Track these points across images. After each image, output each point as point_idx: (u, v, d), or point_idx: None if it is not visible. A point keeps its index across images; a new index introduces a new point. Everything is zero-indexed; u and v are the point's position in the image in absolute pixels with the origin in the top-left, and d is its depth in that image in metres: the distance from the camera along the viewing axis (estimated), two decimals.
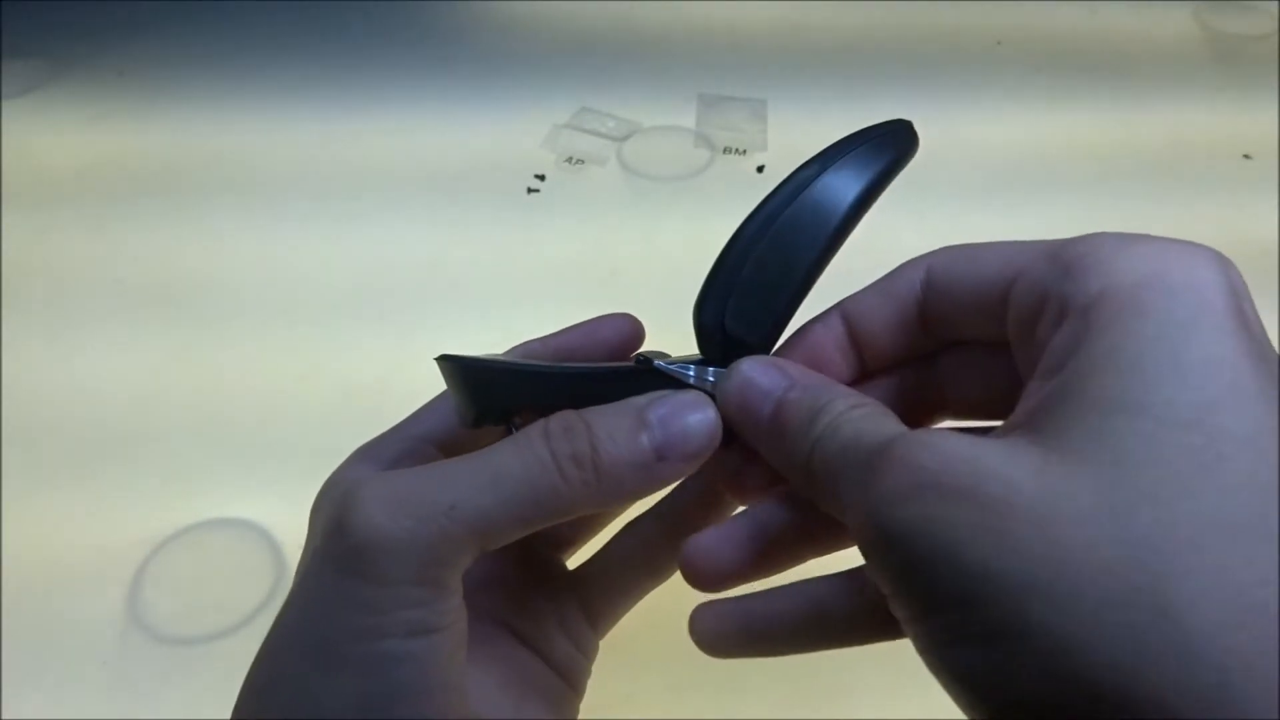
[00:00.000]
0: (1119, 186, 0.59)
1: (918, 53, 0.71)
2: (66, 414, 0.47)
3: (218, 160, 0.62)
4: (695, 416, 0.24)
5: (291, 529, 0.42)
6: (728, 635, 0.26)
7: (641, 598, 0.30)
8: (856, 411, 0.22)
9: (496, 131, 0.63)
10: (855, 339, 0.26)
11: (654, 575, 0.30)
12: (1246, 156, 0.62)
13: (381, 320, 0.51)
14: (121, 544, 0.41)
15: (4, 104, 0.66)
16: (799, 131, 0.63)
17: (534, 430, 0.23)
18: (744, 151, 0.61)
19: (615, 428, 0.23)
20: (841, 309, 0.26)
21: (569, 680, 0.29)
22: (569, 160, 0.61)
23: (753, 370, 0.24)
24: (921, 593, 0.19)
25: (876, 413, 0.22)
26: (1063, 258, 0.21)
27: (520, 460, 0.23)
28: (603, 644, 0.39)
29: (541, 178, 0.60)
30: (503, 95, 0.67)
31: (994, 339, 0.23)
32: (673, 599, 0.40)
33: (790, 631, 0.25)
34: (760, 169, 0.59)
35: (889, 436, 0.20)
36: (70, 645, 0.39)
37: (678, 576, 0.40)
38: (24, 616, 0.40)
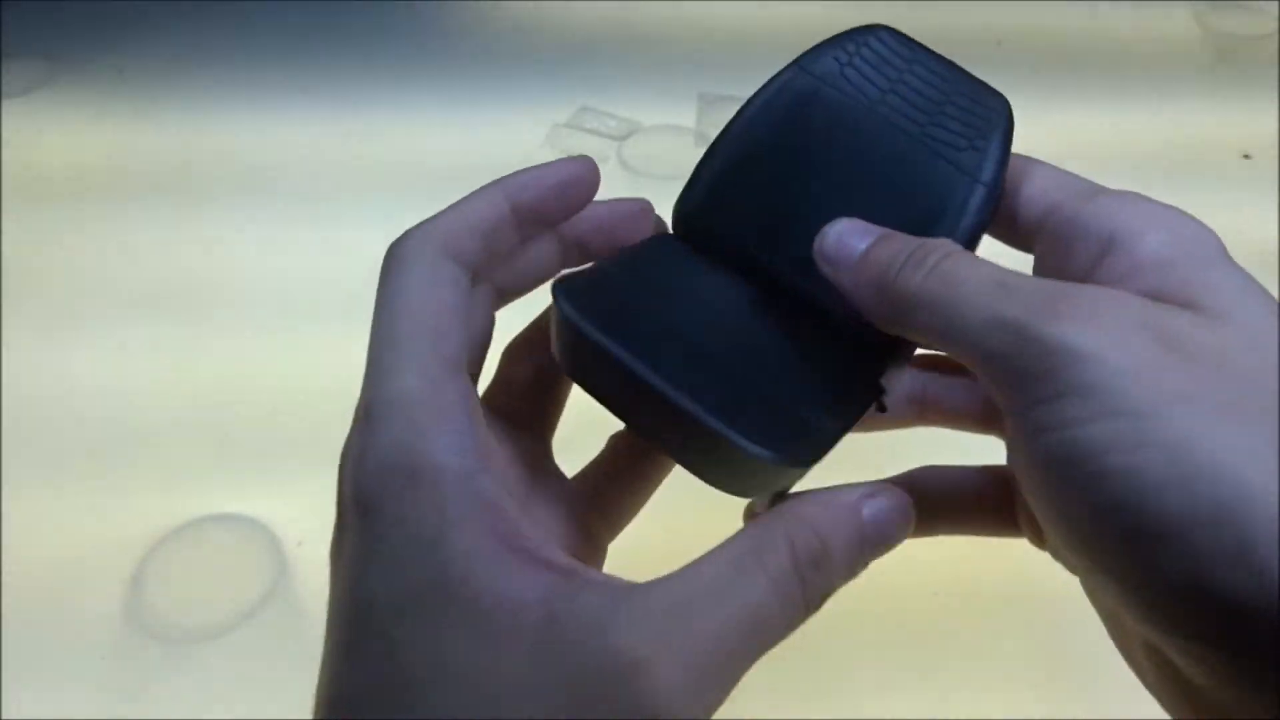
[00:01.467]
0: (1119, 186, 0.59)
1: None
2: (66, 412, 0.47)
3: (218, 160, 0.62)
4: (904, 519, 0.22)
5: (291, 525, 0.42)
6: None
7: (639, 508, 0.29)
8: (961, 255, 0.22)
9: (496, 131, 0.63)
10: None
11: (646, 487, 0.29)
12: (1246, 156, 0.62)
13: None
14: (121, 541, 0.41)
15: (4, 104, 0.66)
16: None
17: (785, 562, 0.21)
18: None
19: (842, 543, 0.21)
20: None
21: None
22: None
23: (842, 225, 0.24)
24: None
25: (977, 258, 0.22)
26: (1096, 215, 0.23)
27: (779, 603, 0.21)
28: None
29: None
30: (503, 95, 0.67)
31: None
32: None
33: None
34: None
35: (1050, 281, 0.21)
36: (70, 642, 0.39)
37: None
38: (24, 613, 0.40)
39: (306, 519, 0.43)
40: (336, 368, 0.49)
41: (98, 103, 0.66)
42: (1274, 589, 0.17)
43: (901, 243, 0.23)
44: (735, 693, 0.38)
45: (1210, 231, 0.22)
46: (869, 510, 0.22)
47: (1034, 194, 0.26)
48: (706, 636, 0.19)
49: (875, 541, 0.22)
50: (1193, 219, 0.23)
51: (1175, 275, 0.21)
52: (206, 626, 0.39)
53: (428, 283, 0.24)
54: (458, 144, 0.63)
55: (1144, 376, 0.18)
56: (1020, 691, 0.37)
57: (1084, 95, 0.67)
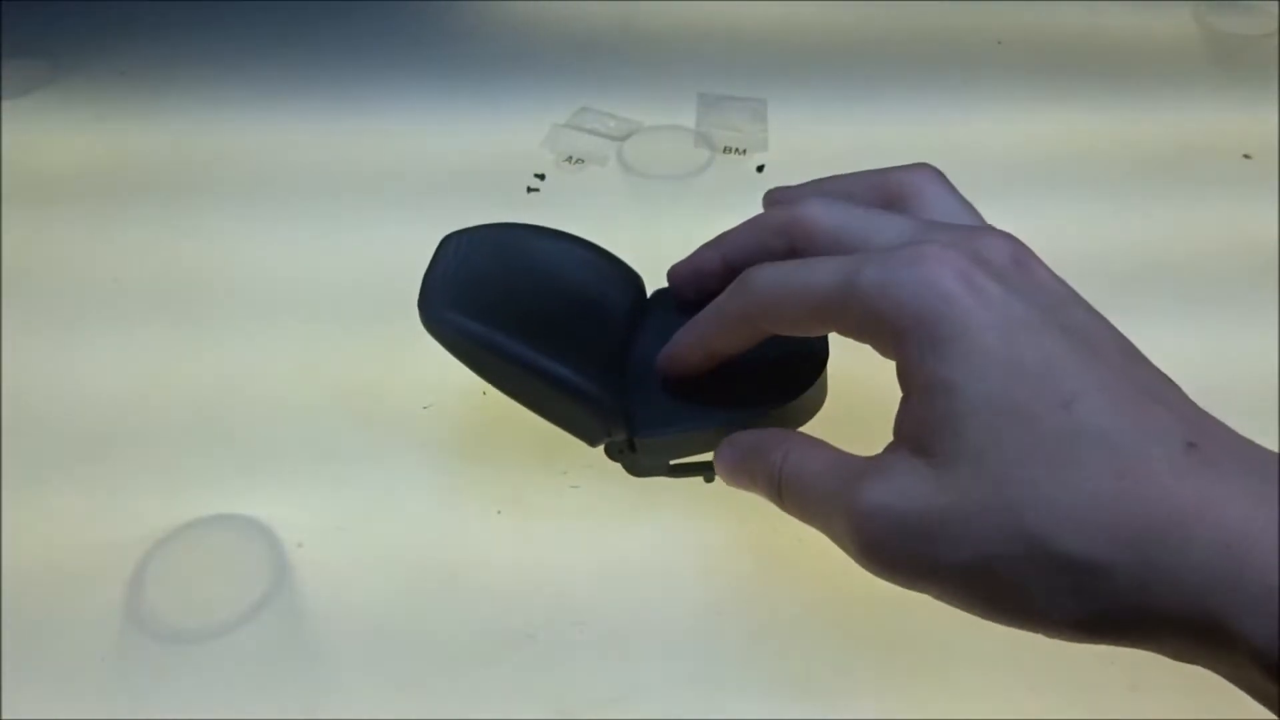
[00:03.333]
0: (1119, 186, 0.59)
1: (918, 53, 0.71)
2: (66, 412, 0.47)
3: (218, 160, 0.62)
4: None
5: (291, 525, 0.42)
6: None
7: None
8: (790, 449, 0.30)
9: (496, 131, 0.63)
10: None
11: None
12: (1246, 156, 0.62)
13: (381, 320, 0.51)
14: (121, 541, 0.41)
15: (4, 104, 0.66)
16: (799, 131, 0.63)
17: None
18: (744, 151, 0.61)
19: None
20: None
21: None
22: (569, 160, 0.61)
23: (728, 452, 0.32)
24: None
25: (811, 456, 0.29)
26: (854, 304, 0.27)
27: None
28: (601, 641, 0.39)
29: (541, 177, 0.60)
30: (503, 95, 0.67)
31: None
32: (672, 598, 0.40)
33: None
34: (760, 169, 0.59)
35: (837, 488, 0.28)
36: (69, 643, 0.39)
37: (670, 584, 0.40)
38: (23, 614, 0.40)
39: (306, 519, 0.43)
40: (337, 368, 0.49)
41: (98, 103, 0.66)
42: None
43: (749, 459, 0.31)
44: (736, 692, 0.38)
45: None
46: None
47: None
48: None
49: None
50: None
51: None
52: (206, 626, 0.39)
53: None
54: (458, 144, 0.63)
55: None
56: (1020, 691, 0.37)
57: (1084, 95, 0.67)
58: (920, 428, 0.26)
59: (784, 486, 0.29)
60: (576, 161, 0.61)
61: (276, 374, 0.49)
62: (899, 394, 0.27)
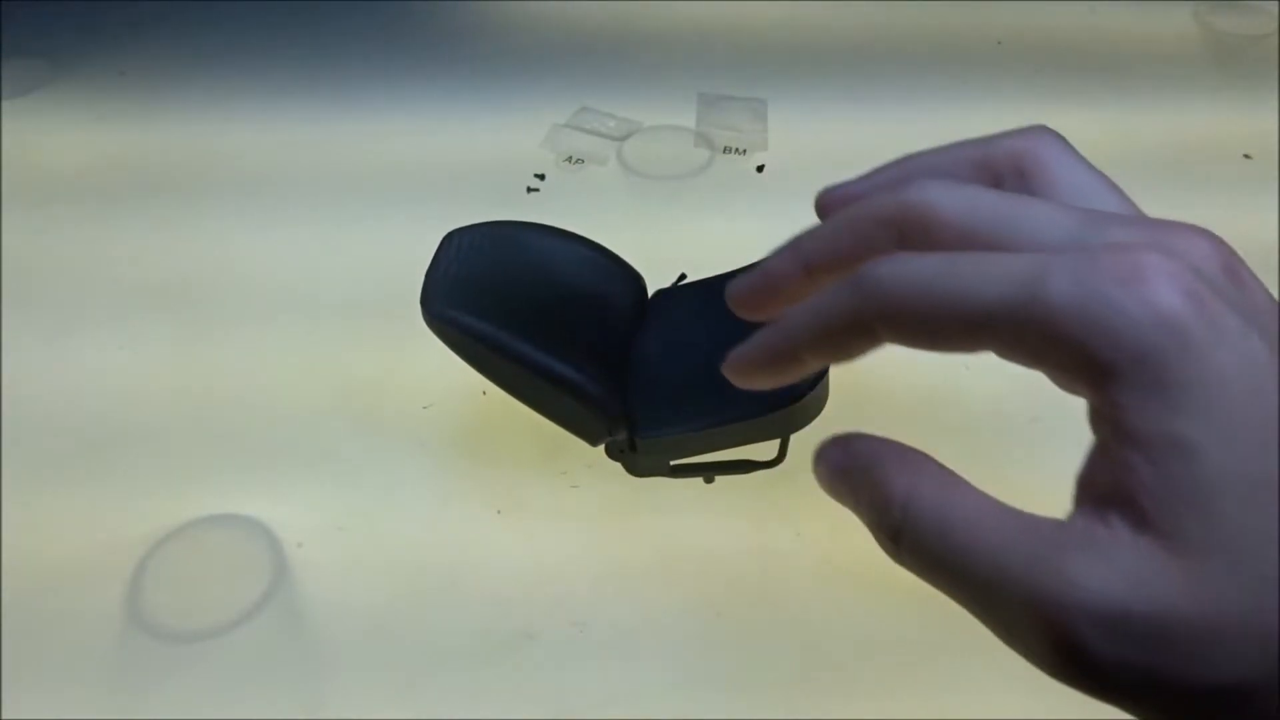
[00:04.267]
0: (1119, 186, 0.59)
1: (918, 53, 0.71)
2: (66, 412, 0.47)
3: (218, 160, 0.62)
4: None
5: (291, 525, 0.42)
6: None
7: None
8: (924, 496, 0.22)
9: (496, 131, 0.63)
10: None
11: None
12: (1246, 156, 0.62)
13: (381, 320, 0.51)
14: (120, 541, 0.41)
15: (4, 104, 0.66)
16: (799, 131, 0.63)
17: None
18: (744, 151, 0.61)
19: None
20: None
21: None
22: (569, 160, 0.61)
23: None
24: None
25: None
26: (1036, 324, 0.20)
27: None
28: (604, 641, 0.39)
29: (541, 177, 0.60)
30: (503, 95, 0.67)
31: None
32: (672, 598, 0.40)
33: None
34: (760, 169, 0.59)
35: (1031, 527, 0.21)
36: (70, 642, 0.39)
37: (670, 584, 0.40)
38: (23, 614, 0.40)
39: (306, 519, 0.43)
40: (337, 368, 0.49)
41: (98, 103, 0.66)
42: None
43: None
44: (736, 691, 0.38)
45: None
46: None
47: None
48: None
49: None
50: None
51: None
52: (206, 626, 0.39)
53: None
54: (458, 144, 0.63)
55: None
56: (1021, 691, 0.37)
57: (1084, 95, 0.67)
58: (1146, 495, 0.20)
59: (909, 530, 0.22)
60: (576, 161, 0.61)
61: (276, 374, 0.49)
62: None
